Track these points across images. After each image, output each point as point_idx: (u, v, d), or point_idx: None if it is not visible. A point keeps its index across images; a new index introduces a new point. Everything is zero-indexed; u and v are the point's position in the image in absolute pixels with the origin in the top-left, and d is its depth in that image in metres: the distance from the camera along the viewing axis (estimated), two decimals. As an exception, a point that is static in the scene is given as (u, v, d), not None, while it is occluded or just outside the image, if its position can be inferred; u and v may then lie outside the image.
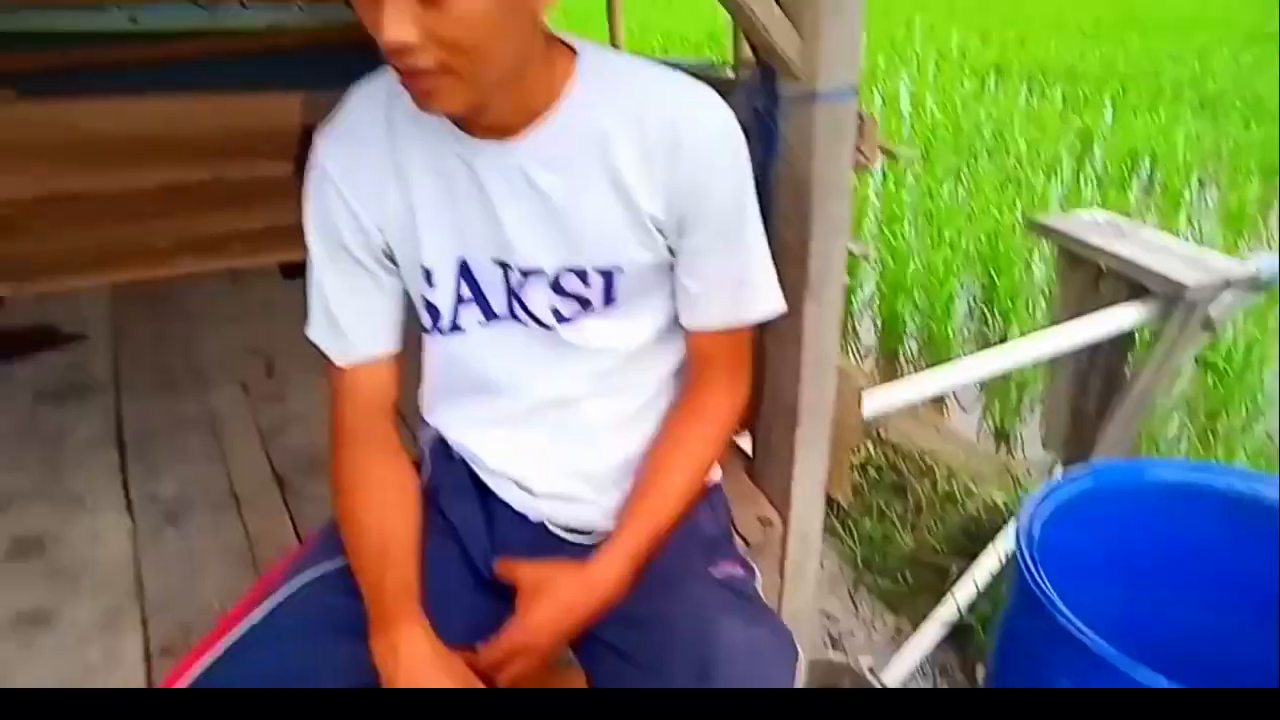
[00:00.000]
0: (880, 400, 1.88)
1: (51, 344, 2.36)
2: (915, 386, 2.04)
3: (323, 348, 1.11)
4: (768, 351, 1.47)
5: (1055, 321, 2.48)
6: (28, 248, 2.80)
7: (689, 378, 1.13)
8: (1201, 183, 5.89)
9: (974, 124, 6.97)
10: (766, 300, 1.10)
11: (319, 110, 3.38)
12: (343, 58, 3.42)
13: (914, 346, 4.03)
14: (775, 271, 1.10)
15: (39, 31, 3.21)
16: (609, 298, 1.05)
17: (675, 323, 1.11)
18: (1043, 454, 2.76)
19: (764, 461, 1.60)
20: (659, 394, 1.14)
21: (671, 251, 1.04)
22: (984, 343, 4.04)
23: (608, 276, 1.03)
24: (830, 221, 1.31)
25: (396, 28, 0.80)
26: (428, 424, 1.21)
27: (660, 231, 1.02)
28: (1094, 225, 2.34)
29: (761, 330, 1.42)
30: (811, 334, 1.39)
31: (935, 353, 3.85)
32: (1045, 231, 2.38)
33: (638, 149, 0.97)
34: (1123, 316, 2.15)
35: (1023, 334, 3.91)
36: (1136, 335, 2.37)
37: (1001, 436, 3.42)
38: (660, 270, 1.06)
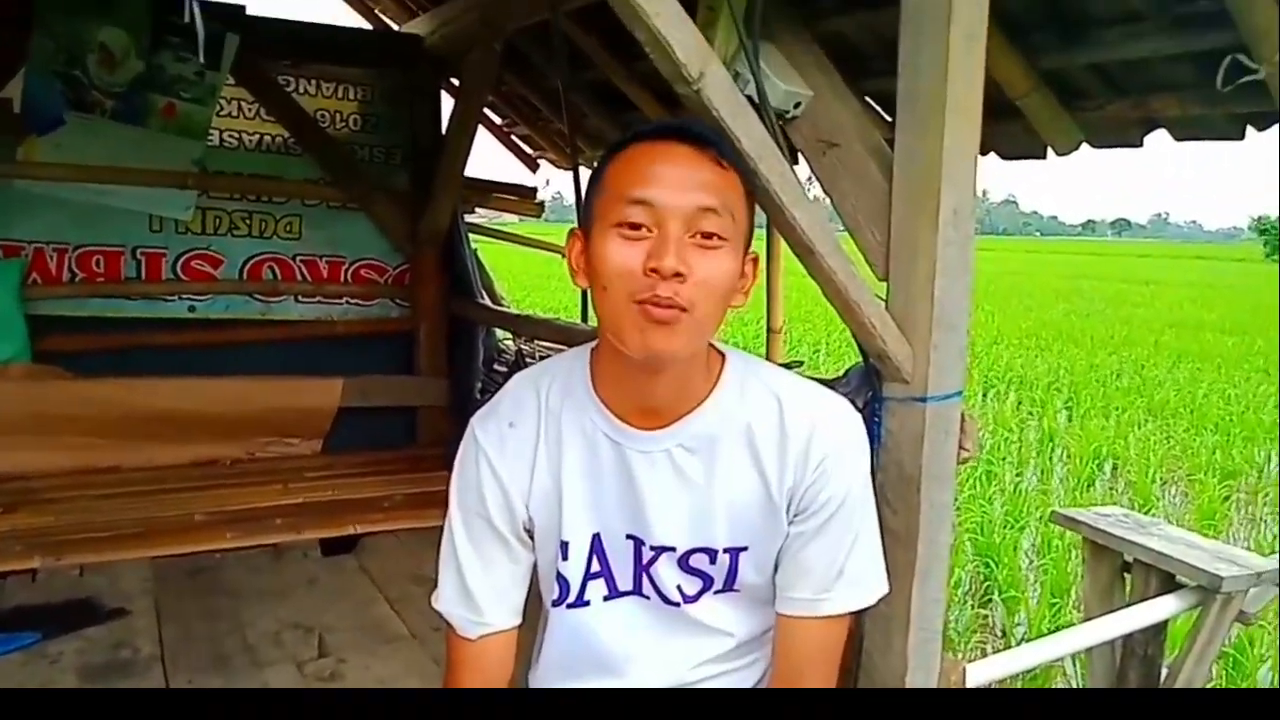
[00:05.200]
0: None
1: (92, 620, 2.30)
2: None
3: (452, 619, 1.15)
4: (871, 636, 1.53)
5: (1086, 607, 2.58)
6: (63, 520, 2.80)
7: (776, 670, 1.15)
8: (1164, 482, 6.24)
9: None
10: (853, 596, 1.11)
11: (354, 393, 3.53)
12: (382, 346, 3.72)
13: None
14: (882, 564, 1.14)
15: (100, 316, 3.39)
16: (731, 576, 1.13)
17: None
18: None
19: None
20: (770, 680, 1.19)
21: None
22: (987, 628, 4.08)
23: (734, 556, 1.12)
24: (937, 511, 1.44)
25: (678, 260, 0.96)
26: None
27: (785, 512, 1.10)
28: (1116, 519, 2.50)
29: (865, 615, 1.50)
30: (918, 617, 1.46)
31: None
32: (1071, 524, 2.54)
33: (777, 437, 1.09)
34: (1160, 607, 2.25)
35: (1029, 620, 3.98)
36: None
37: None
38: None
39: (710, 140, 1.02)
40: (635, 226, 0.98)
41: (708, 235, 0.99)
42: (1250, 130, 1.71)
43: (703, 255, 0.99)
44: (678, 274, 0.96)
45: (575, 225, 1.11)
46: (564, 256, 1.09)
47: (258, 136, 3.50)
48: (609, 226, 1.00)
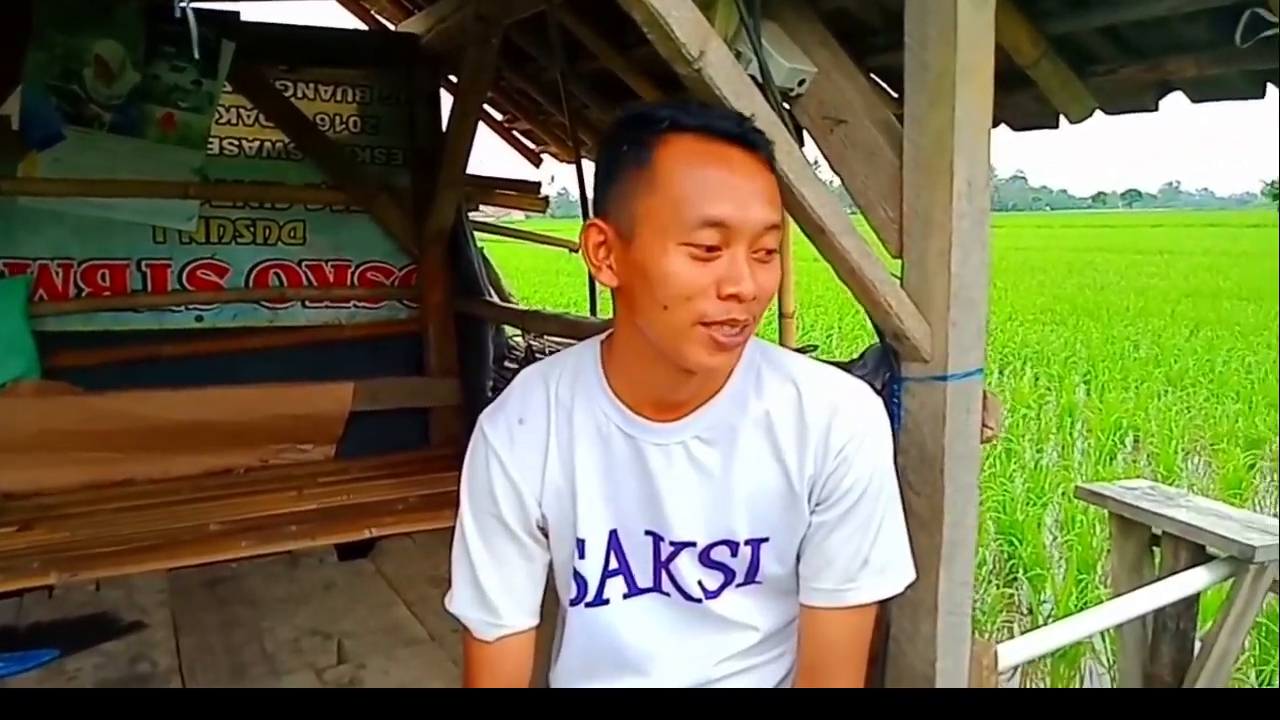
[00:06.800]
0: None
1: (109, 634, 2.29)
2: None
3: (467, 621, 1.12)
4: (899, 623, 1.49)
5: (1114, 582, 2.53)
6: (78, 535, 2.80)
7: (801, 663, 1.12)
8: (1186, 452, 6.16)
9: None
10: (879, 584, 1.09)
11: (365, 396, 3.50)
12: (391, 348, 3.70)
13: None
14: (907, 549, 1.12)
15: (108, 330, 3.38)
16: (753, 569, 1.09)
17: None
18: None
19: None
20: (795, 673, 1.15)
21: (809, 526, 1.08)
22: (1013, 607, 4.04)
23: (755, 548, 1.08)
24: (962, 492, 1.40)
25: (750, 281, 0.94)
26: None
27: (807, 501, 1.07)
28: (1143, 493, 2.45)
29: (893, 602, 1.46)
30: (946, 601, 1.42)
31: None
32: (1097, 499, 2.48)
33: (796, 425, 1.06)
34: (1192, 580, 2.20)
35: (1055, 598, 3.94)
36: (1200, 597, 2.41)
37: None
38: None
39: (762, 143, 1.00)
40: (711, 249, 0.94)
41: (770, 250, 0.97)
42: (1271, 89, 1.65)
43: (764, 269, 0.97)
44: (752, 295, 0.95)
45: (593, 215, 1.03)
46: (579, 250, 1.04)
47: (258, 143, 3.48)
48: (675, 243, 0.94)
